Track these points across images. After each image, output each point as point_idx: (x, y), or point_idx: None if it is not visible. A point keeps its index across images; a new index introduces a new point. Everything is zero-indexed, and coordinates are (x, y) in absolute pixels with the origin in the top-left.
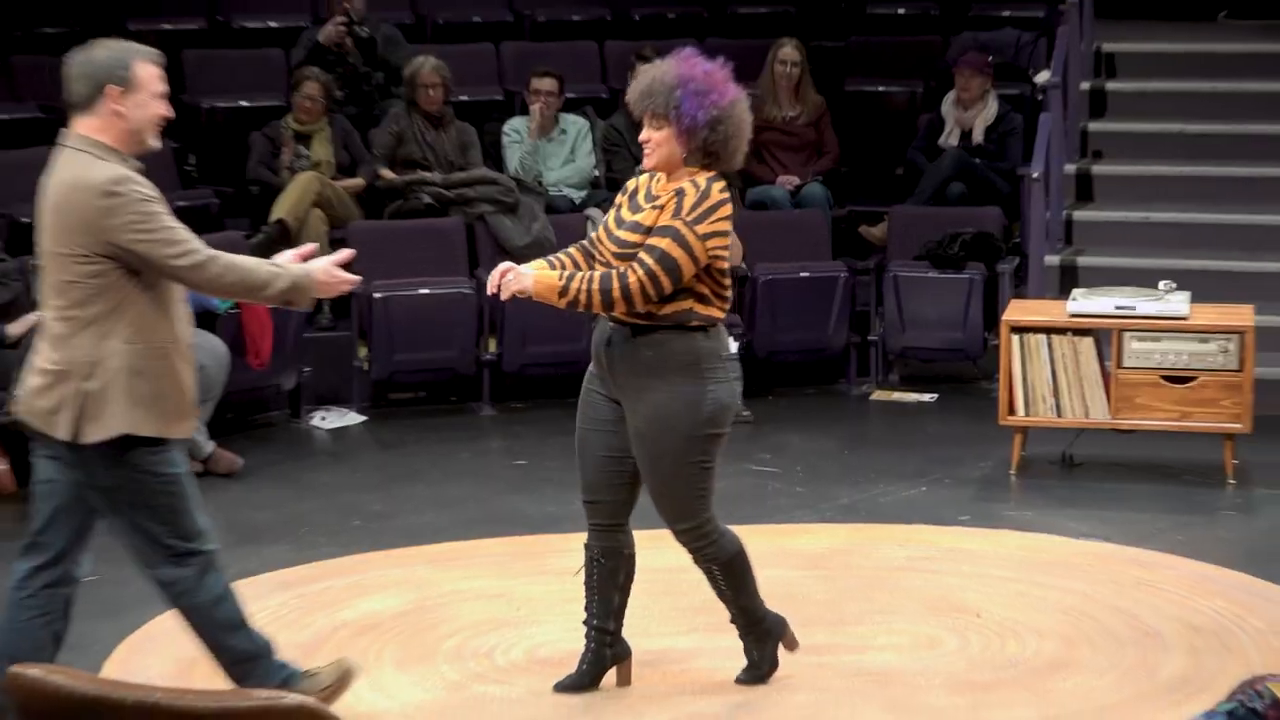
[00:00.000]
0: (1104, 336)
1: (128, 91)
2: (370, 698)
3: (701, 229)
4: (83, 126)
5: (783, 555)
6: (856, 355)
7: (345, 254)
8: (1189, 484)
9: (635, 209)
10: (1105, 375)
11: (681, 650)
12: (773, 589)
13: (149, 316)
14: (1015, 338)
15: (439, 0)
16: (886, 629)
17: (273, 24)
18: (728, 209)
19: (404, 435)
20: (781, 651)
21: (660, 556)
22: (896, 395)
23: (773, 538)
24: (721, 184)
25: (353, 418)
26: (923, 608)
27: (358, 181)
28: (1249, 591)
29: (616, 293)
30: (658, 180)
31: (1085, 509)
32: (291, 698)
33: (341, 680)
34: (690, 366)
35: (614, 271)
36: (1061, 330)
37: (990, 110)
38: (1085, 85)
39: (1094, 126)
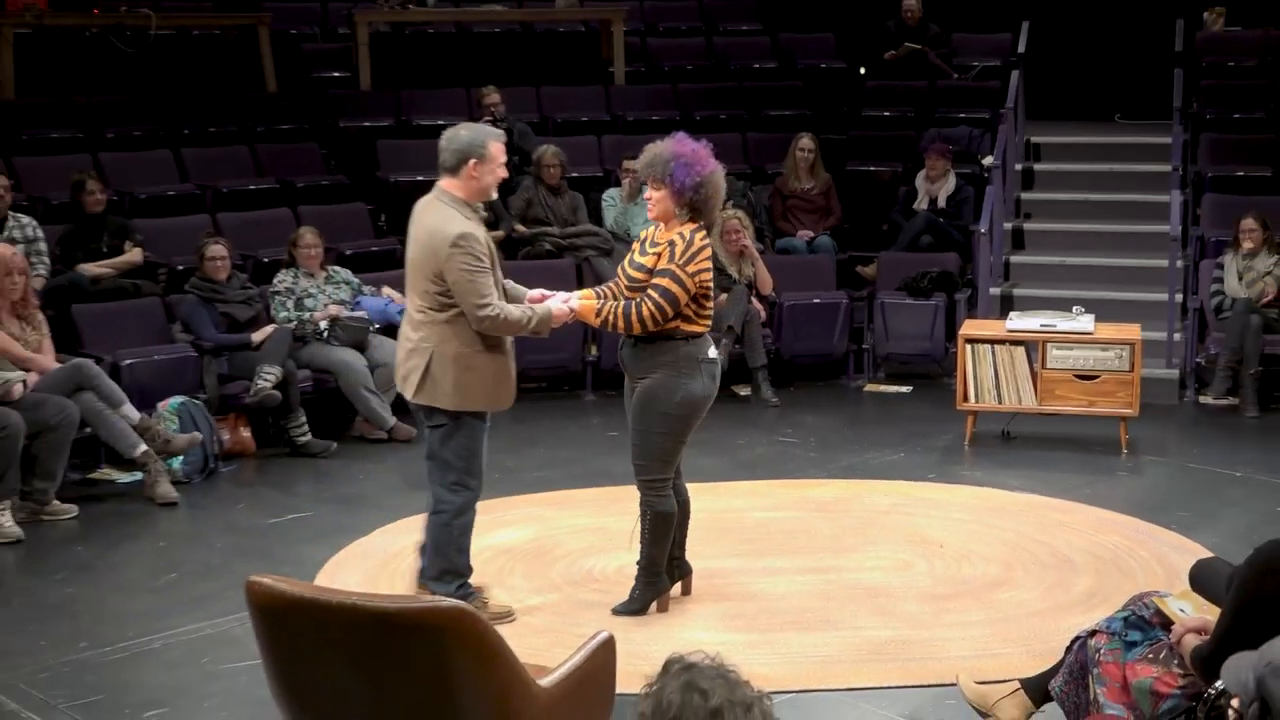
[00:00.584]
0: (1033, 346)
1: (481, 162)
2: (505, 598)
3: (690, 268)
4: (448, 184)
5: (801, 502)
6: (854, 359)
7: (565, 296)
8: (1094, 453)
9: (643, 253)
10: (1034, 374)
11: (727, 568)
12: (793, 526)
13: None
14: (969, 347)
15: (558, 105)
16: (875, 555)
17: (440, 121)
18: (707, 251)
19: (531, 414)
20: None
21: (715, 501)
22: (882, 388)
23: (793, 489)
24: (703, 234)
25: None
26: (901, 540)
27: (499, 233)
28: (1138, 530)
29: (634, 318)
30: (658, 229)
31: (1019, 470)
32: (450, 602)
33: (496, 617)
34: (671, 364)
35: (634, 303)
36: (1002, 341)
37: (950, 184)
38: (1019, 166)
39: (1026, 195)
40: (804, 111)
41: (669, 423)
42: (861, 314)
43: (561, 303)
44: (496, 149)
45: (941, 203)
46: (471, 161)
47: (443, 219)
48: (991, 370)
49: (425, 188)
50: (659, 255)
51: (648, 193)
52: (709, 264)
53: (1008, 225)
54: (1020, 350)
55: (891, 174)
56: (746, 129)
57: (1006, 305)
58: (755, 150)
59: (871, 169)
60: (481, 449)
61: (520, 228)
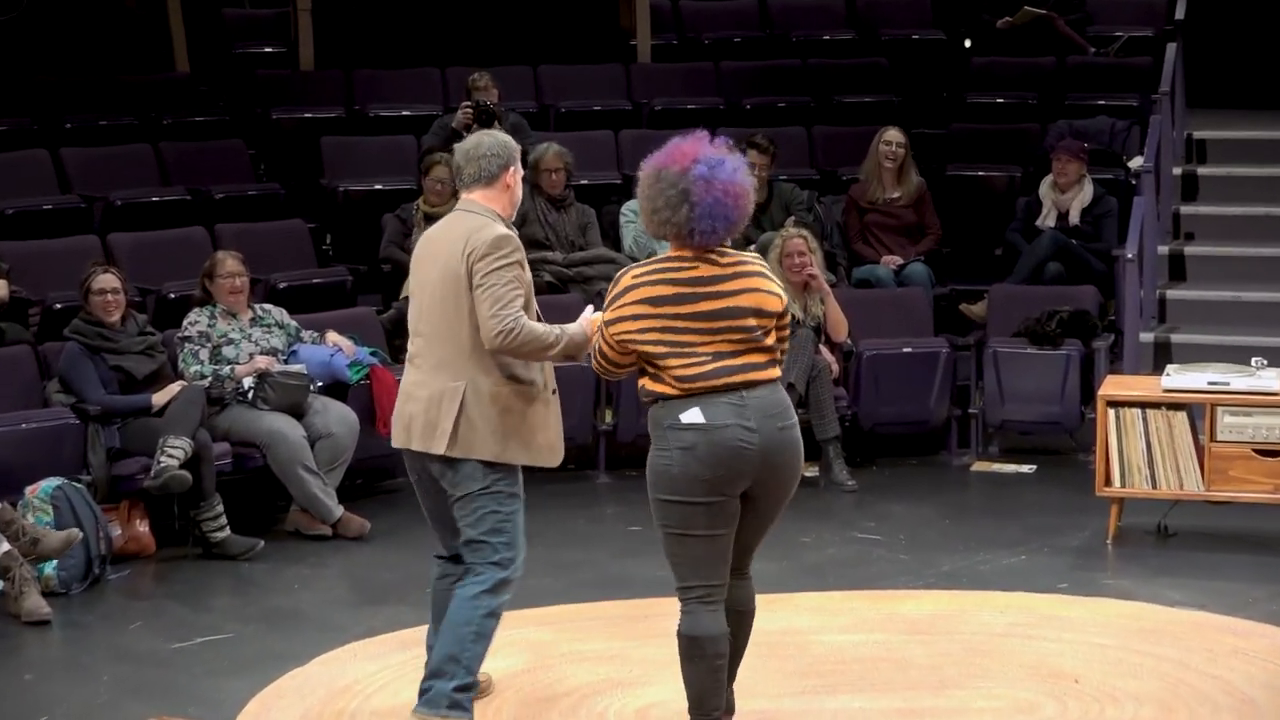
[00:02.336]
0: (1197, 411)
1: (517, 170)
2: None
3: (607, 316)
4: (480, 196)
5: (887, 620)
6: (957, 427)
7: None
8: None
9: None
10: (1199, 448)
11: (787, 711)
12: (876, 653)
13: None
14: (1111, 412)
15: (562, 90)
16: (986, 693)
17: (405, 112)
18: (636, 294)
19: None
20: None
21: (773, 619)
22: (996, 466)
23: (877, 603)
24: (643, 269)
25: None
26: (1022, 672)
27: None
28: None
29: (595, 358)
30: None
31: (1181, 578)
32: None
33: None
34: (652, 434)
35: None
36: (1156, 405)
37: (1086, 193)
38: (1177, 170)
39: (1186, 209)
40: (889, 98)
41: (661, 512)
42: (968, 368)
43: (587, 322)
44: (518, 159)
45: (1075, 219)
46: (511, 169)
47: (480, 224)
48: (1143, 443)
49: (383, 199)
50: None
51: None
52: (632, 309)
53: (1163, 249)
54: (1181, 417)
55: (1007, 181)
56: (813, 121)
57: (1162, 356)
58: (824, 149)
59: (980, 174)
60: (520, 517)
61: None
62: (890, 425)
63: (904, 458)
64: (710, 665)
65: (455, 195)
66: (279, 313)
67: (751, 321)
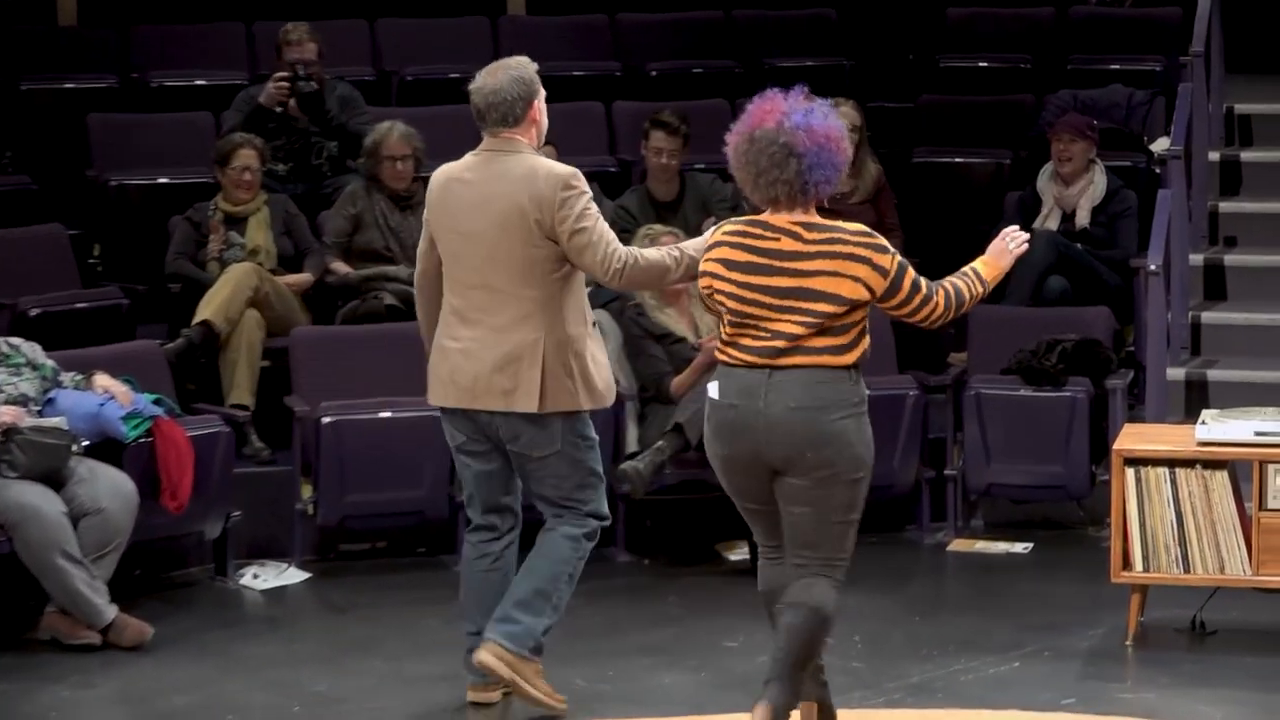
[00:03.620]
0: (1242, 470)
1: (540, 100)
2: None
3: (703, 266)
4: (512, 134)
5: None
6: (930, 494)
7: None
8: None
9: None
10: (1245, 519)
11: None
12: None
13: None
14: (1130, 472)
15: (408, 51)
16: None
17: (200, 82)
18: (718, 250)
19: (358, 597)
20: None
21: None
22: (980, 545)
23: None
24: (725, 227)
25: (293, 575)
26: None
27: (304, 277)
28: None
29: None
30: None
31: (1221, 688)
32: None
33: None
34: None
35: None
36: (1189, 462)
37: (1097, 187)
38: (1214, 155)
39: (1226, 206)
40: (839, 61)
41: None
42: (943, 416)
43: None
44: (540, 86)
45: (1083, 220)
46: (536, 102)
47: (534, 164)
48: (1171, 513)
49: (170, 197)
50: None
51: None
52: (712, 266)
53: (1196, 258)
54: (1222, 478)
55: (993, 170)
56: (739, 91)
57: (1196, 399)
58: None
59: (957, 161)
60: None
61: (341, 266)
62: None
63: (861, 534)
64: (768, 614)
65: (267, 190)
66: (31, 349)
67: (824, 307)
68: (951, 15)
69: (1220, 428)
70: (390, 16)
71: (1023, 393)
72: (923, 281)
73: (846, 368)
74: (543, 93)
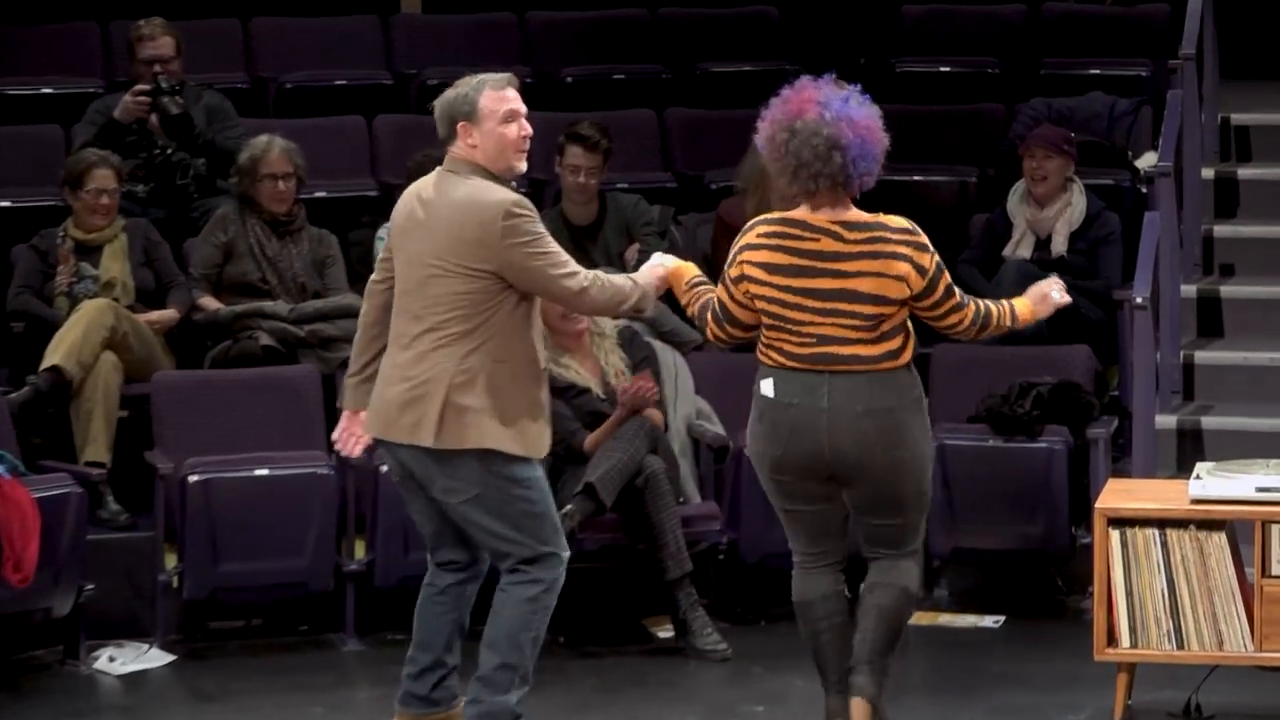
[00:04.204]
0: (1242, 531)
1: (472, 124)
2: None
3: (732, 272)
4: (458, 152)
5: None
6: None
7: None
8: None
9: None
10: (1245, 587)
11: None
12: None
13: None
14: (1116, 534)
15: (287, 55)
16: None
17: (48, 90)
18: (755, 253)
19: (231, 682)
20: None
21: None
22: (945, 619)
23: None
24: (761, 227)
25: (155, 657)
26: None
27: (168, 314)
28: None
29: (702, 319)
30: None
31: None
32: None
33: None
34: None
35: (709, 304)
36: (1182, 523)
37: (1075, 209)
38: (1208, 172)
39: (1221, 230)
40: (781, 65)
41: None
42: None
43: (656, 267)
44: (490, 100)
45: (1059, 246)
46: (461, 127)
47: (475, 188)
48: (1163, 581)
49: (12, 220)
50: None
51: None
52: (751, 270)
53: (1189, 289)
54: (1219, 541)
55: (957, 189)
56: (666, 101)
57: (1189, 450)
58: (684, 144)
59: (916, 179)
60: (550, 502)
61: (210, 301)
62: (787, 557)
63: None
64: (814, 629)
65: (122, 213)
66: None
67: (869, 309)
68: (908, 13)
69: (1217, 483)
70: (266, 15)
71: (992, 444)
72: (956, 289)
73: (906, 366)
74: (479, 114)
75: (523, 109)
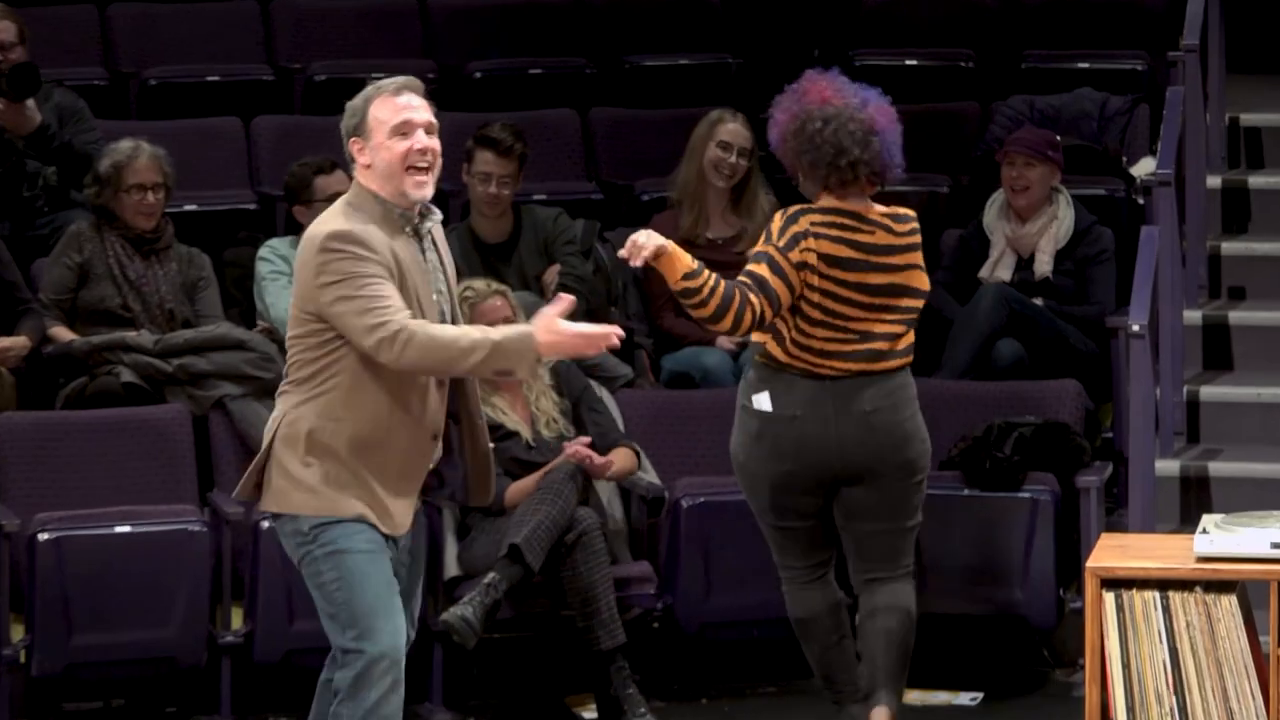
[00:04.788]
0: (1256, 594)
1: (361, 139)
2: None
3: (793, 256)
4: (354, 176)
5: None
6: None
7: (567, 302)
8: None
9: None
10: (1259, 658)
11: None
12: None
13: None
14: (1110, 597)
15: (153, 46)
16: None
17: None
18: (813, 242)
19: None
20: None
21: None
22: (916, 695)
23: None
24: (814, 215)
25: None
26: None
27: (19, 341)
28: None
29: (729, 308)
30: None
31: None
32: None
33: None
34: (738, 404)
35: (739, 288)
36: (1186, 584)
37: (1062, 223)
38: (1214, 181)
39: (1229, 248)
40: (722, 58)
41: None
42: None
43: (554, 315)
44: (382, 108)
45: (1044, 267)
46: (352, 142)
47: (320, 220)
48: (1164, 651)
49: None
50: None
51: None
52: (807, 257)
53: (1193, 315)
54: (1229, 604)
55: (925, 199)
56: (591, 100)
57: (1194, 500)
58: (610, 150)
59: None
60: (375, 580)
61: (61, 332)
62: (728, 627)
63: (756, 683)
64: (824, 644)
65: None
66: None
67: (907, 302)
68: None
69: (1227, 538)
70: (127, 1)
71: (967, 493)
72: None
73: (909, 364)
74: (368, 127)
75: (424, 119)
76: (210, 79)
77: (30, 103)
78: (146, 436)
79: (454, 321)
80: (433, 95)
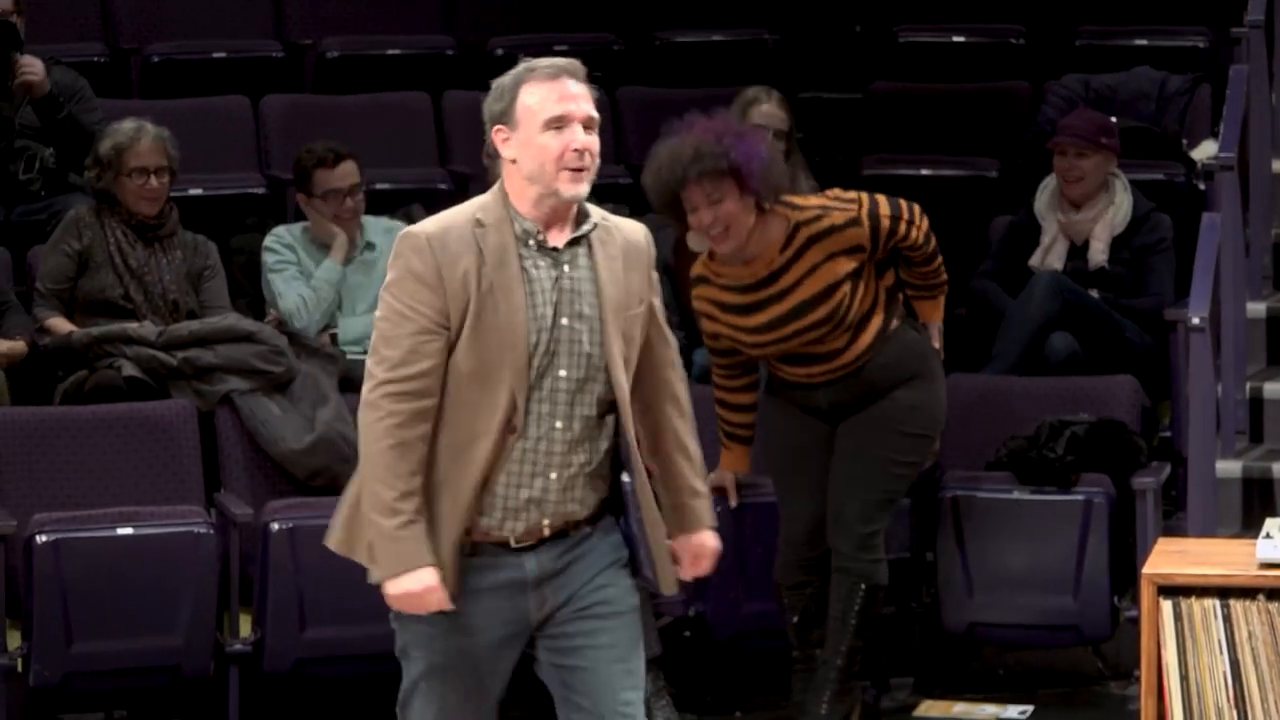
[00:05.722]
0: None
1: (510, 129)
2: None
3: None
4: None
5: None
6: (890, 635)
7: None
8: None
9: None
10: None
11: None
12: None
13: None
14: (1168, 605)
15: (154, 23)
16: None
17: None
18: (704, 289)
19: None
20: None
21: None
22: (961, 708)
23: None
24: (703, 256)
25: None
26: None
27: (16, 346)
28: None
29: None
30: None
31: None
32: None
33: None
34: None
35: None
36: (1248, 591)
37: (1119, 210)
38: None
39: None
40: (759, 34)
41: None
42: (902, 526)
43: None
44: (535, 94)
45: (1099, 256)
46: (496, 131)
47: (430, 219)
48: (1225, 662)
49: None
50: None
51: (703, 213)
52: (703, 306)
53: (1256, 308)
54: None
55: (973, 184)
56: (619, 80)
57: (1257, 502)
58: (638, 132)
59: (923, 173)
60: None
61: (61, 323)
62: (760, 636)
63: (788, 693)
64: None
65: None
66: None
67: (822, 311)
68: None
69: None
70: None
71: (1018, 495)
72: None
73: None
74: (533, 109)
75: (584, 112)
76: (216, 55)
77: (40, 64)
78: (149, 433)
79: (600, 349)
80: (451, 73)
